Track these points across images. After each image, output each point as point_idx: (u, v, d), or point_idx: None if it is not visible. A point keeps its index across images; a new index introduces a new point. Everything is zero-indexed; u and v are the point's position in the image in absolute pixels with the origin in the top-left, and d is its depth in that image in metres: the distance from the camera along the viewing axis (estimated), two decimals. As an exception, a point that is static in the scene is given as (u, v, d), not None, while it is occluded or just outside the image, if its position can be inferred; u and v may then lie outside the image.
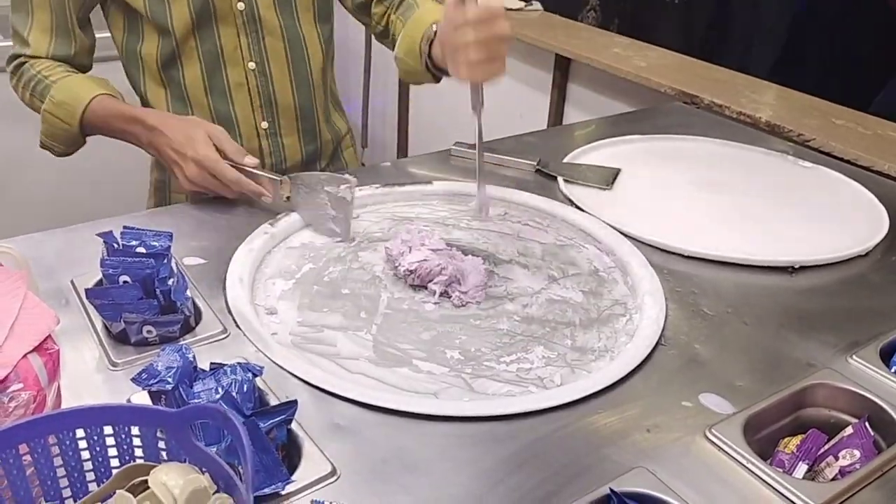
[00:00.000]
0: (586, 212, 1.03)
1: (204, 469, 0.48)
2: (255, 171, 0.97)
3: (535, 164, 1.16)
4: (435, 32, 1.04)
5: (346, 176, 0.95)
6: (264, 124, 1.17)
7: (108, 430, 0.49)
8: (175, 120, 1.00)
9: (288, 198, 0.97)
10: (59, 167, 1.85)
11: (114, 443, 0.50)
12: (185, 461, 0.49)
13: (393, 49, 1.16)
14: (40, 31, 1.07)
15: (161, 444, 0.50)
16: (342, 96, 1.35)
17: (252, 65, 1.13)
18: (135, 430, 0.49)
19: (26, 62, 1.09)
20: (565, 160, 1.18)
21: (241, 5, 1.10)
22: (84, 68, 1.12)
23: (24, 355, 0.55)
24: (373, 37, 1.44)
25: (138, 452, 0.50)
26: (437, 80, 1.12)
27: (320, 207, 0.95)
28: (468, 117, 0.93)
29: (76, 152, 1.11)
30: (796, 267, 0.93)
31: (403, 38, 1.11)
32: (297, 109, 1.19)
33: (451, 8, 0.86)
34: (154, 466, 0.48)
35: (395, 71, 1.19)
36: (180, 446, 0.49)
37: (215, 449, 0.55)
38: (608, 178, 1.14)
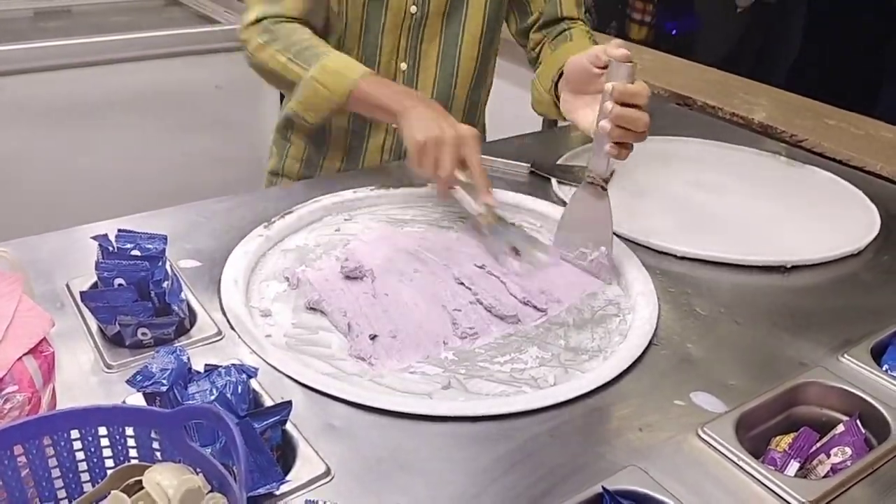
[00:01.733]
0: (580, 213, 1.03)
1: (198, 469, 0.49)
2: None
3: (529, 165, 1.17)
4: None
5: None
6: (394, 125, 1.16)
7: (102, 430, 0.49)
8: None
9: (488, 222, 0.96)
10: (55, 169, 1.86)
11: (108, 443, 0.50)
12: (179, 461, 0.49)
13: None
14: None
15: (155, 445, 0.50)
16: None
17: (404, 65, 1.17)
18: (129, 431, 0.50)
19: (282, 21, 1.10)
20: (559, 162, 1.19)
21: (413, 8, 1.12)
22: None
23: (19, 358, 0.55)
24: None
25: (133, 453, 0.50)
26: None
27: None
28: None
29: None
30: (789, 267, 0.94)
31: (544, 65, 1.14)
32: None
33: (594, 57, 0.91)
34: (148, 467, 0.48)
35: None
36: (174, 447, 0.49)
37: (210, 450, 0.56)
38: None
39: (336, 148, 1.24)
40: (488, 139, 1.33)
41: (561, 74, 1.04)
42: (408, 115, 0.99)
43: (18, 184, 1.83)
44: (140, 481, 0.47)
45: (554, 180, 1.13)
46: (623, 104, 0.84)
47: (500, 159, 1.18)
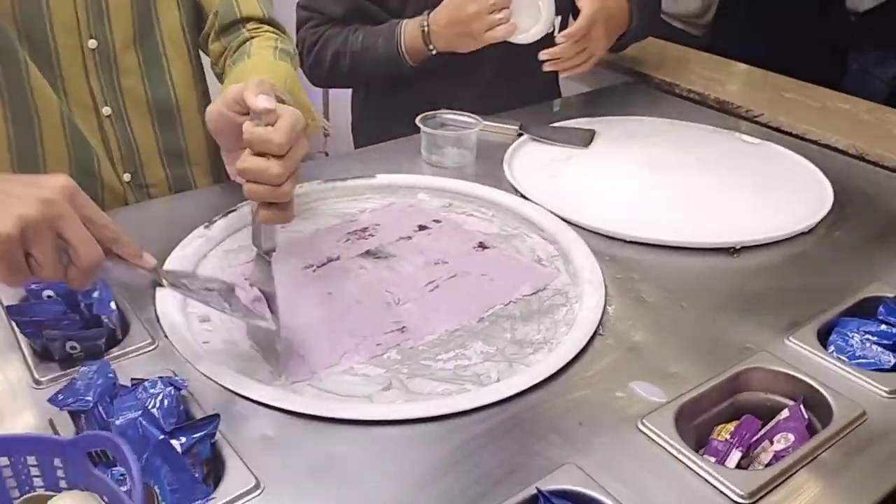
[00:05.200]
0: (531, 200, 1.02)
1: (104, 496, 0.47)
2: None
3: (517, 127, 1.21)
4: None
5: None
6: (126, 176, 1.06)
7: (3, 461, 0.48)
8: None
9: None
10: None
11: (11, 473, 0.48)
12: (84, 489, 0.48)
13: None
14: None
15: (60, 473, 0.48)
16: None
17: (107, 110, 1.01)
18: (32, 461, 0.48)
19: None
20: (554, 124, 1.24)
21: (92, 42, 0.97)
22: None
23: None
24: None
25: (38, 482, 0.49)
26: None
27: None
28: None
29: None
30: (738, 247, 0.93)
31: (223, 90, 0.92)
32: (164, 156, 1.08)
33: (232, 103, 0.76)
34: (53, 496, 0.47)
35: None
36: (78, 474, 0.47)
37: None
38: (586, 138, 1.20)
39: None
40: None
41: None
42: None
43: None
44: (46, 511, 0.46)
45: (506, 167, 1.11)
46: (257, 153, 0.69)
47: (490, 123, 1.20)
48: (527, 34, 1.18)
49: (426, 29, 1.20)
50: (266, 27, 1.06)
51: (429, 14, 1.21)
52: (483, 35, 1.17)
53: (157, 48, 1.03)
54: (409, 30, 1.23)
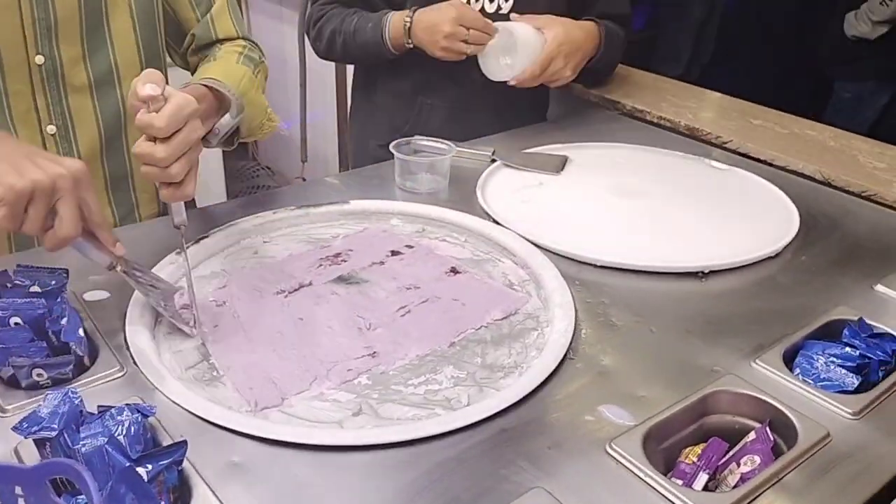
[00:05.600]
0: (503, 225, 1.03)
1: (66, 525, 0.47)
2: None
3: (490, 153, 1.23)
4: None
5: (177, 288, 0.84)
6: None
7: (-37, 489, 0.47)
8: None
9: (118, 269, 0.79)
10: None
11: (-29, 502, 0.48)
12: (45, 518, 0.47)
13: None
14: None
15: (20, 502, 0.48)
16: (279, 110, 1.31)
17: (51, 128, 1.00)
18: (-8, 489, 0.48)
19: None
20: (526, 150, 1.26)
21: (39, 58, 0.96)
22: None
23: None
24: (308, 48, 1.43)
25: (-2, 511, 0.48)
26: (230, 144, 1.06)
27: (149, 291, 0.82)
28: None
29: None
30: (706, 272, 0.94)
31: None
32: (108, 180, 1.07)
33: (132, 93, 0.75)
34: (14, 525, 0.46)
35: (332, 84, 1.19)
36: (40, 502, 0.47)
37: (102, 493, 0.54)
38: (558, 164, 1.22)
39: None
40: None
41: None
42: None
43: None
44: (6, 540, 0.45)
45: (479, 193, 1.12)
46: (148, 138, 0.75)
47: (464, 149, 1.22)
48: (494, 75, 1.30)
49: (408, 25, 1.27)
50: (239, 39, 1.11)
51: (415, 10, 1.28)
52: (445, 54, 1.26)
53: (108, 65, 1.02)
54: (394, 21, 1.30)
